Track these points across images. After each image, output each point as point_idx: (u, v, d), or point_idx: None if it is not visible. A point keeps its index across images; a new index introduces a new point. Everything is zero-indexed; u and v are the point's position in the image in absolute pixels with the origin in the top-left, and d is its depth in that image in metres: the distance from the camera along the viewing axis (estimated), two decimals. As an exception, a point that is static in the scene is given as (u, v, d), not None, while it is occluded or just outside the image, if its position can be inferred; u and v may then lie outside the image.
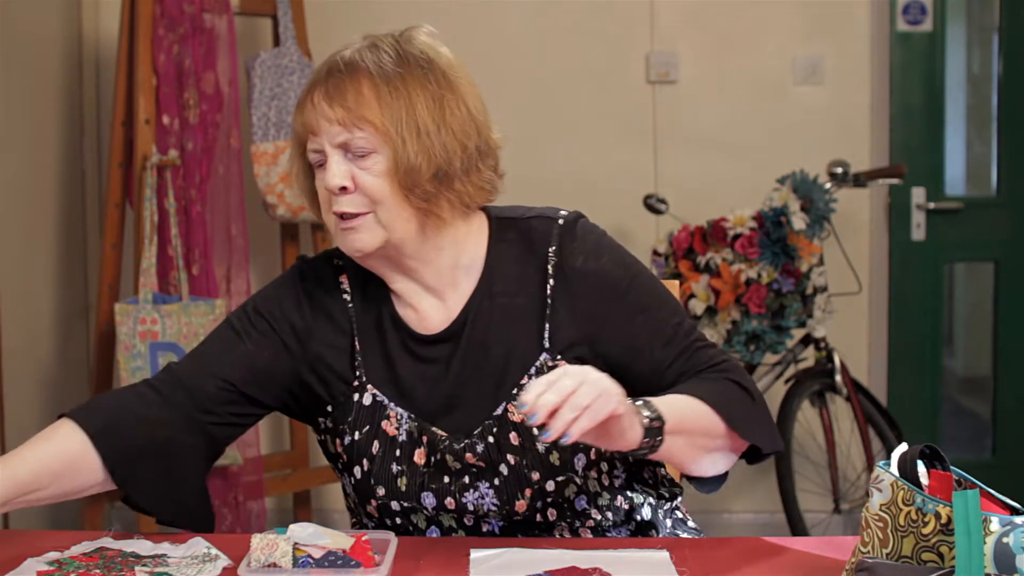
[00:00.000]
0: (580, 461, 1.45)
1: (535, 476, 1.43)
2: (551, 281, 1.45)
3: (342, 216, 1.40)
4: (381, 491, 1.46)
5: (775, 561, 1.38)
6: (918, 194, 3.69)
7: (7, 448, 2.99)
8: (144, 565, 1.33)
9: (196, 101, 3.05)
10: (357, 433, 1.47)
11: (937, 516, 1.12)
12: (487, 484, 1.44)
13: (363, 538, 1.31)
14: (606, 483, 1.50)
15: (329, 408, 1.49)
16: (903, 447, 1.20)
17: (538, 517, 1.46)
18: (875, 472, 1.19)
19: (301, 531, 1.30)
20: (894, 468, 1.18)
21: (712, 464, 1.43)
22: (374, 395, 1.47)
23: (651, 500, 1.56)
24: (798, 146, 3.59)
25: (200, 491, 1.50)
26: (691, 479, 1.48)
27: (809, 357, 3.37)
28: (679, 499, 1.63)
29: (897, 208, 3.70)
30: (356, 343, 1.48)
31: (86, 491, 1.45)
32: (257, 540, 1.28)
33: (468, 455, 1.43)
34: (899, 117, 3.68)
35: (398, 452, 1.45)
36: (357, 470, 1.47)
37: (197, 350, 1.52)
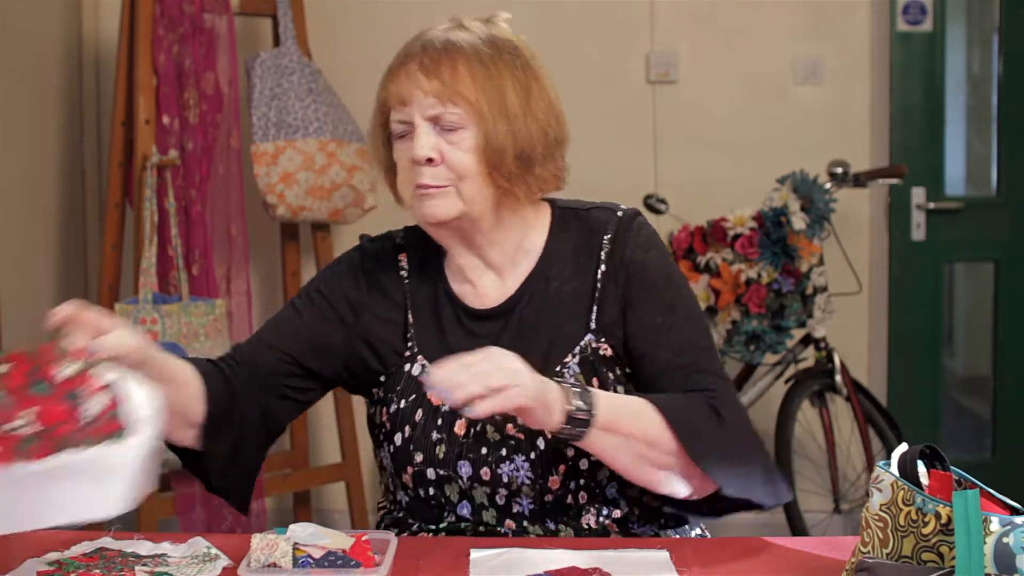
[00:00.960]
0: None
1: (570, 453, 1.46)
2: (602, 267, 1.51)
3: (420, 187, 1.45)
4: (419, 457, 1.49)
5: (775, 561, 1.38)
6: (918, 194, 3.69)
7: (7, 448, 2.99)
8: (144, 565, 1.33)
9: (196, 101, 3.05)
10: (403, 401, 1.51)
11: (937, 516, 1.12)
12: (523, 457, 1.46)
13: (363, 538, 1.31)
14: None
15: (382, 379, 1.55)
16: (903, 447, 1.20)
17: (569, 499, 1.48)
18: (875, 472, 1.19)
19: (301, 531, 1.30)
20: (894, 468, 1.18)
21: (668, 483, 1.42)
22: (423, 365, 1.52)
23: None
24: (798, 146, 3.59)
25: (253, 470, 1.56)
26: (668, 502, 1.47)
27: (809, 357, 3.37)
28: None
29: (897, 208, 3.70)
30: (409, 316, 1.55)
31: (183, 422, 1.46)
32: (257, 540, 1.28)
33: (509, 425, 1.47)
34: (899, 117, 3.68)
35: (439, 421, 1.49)
36: (398, 437, 1.51)
37: (259, 330, 1.59)
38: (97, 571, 1.31)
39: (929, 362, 3.75)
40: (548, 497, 1.48)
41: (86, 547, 1.40)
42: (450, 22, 1.52)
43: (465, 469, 1.47)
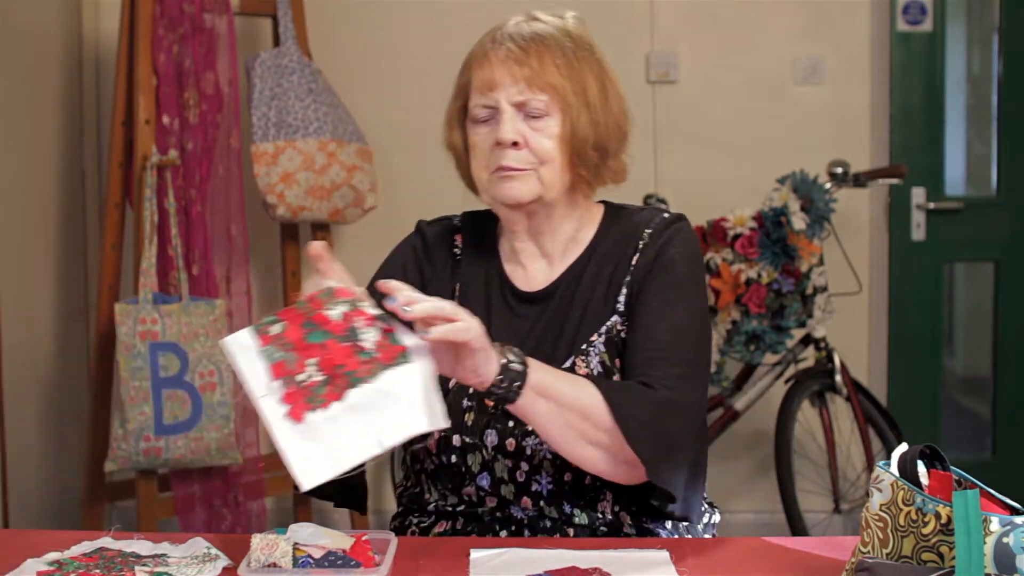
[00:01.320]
0: None
1: None
2: (637, 255, 1.57)
3: (502, 168, 1.50)
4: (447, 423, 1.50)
5: (775, 561, 1.38)
6: (918, 194, 3.69)
7: (7, 448, 2.99)
8: (144, 565, 1.33)
9: (196, 101, 3.05)
10: None
11: (937, 516, 1.12)
12: None
13: (363, 538, 1.31)
14: None
15: None
16: (903, 447, 1.20)
17: (587, 479, 1.50)
18: (875, 472, 1.19)
19: (301, 531, 1.30)
20: (894, 468, 1.18)
21: (593, 459, 1.42)
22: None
23: None
24: (798, 146, 3.59)
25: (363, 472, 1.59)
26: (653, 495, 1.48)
27: (809, 357, 3.37)
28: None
29: (897, 208, 3.70)
30: (457, 291, 1.60)
31: None
32: (257, 540, 1.28)
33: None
34: (899, 117, 3.68)
35: (471, 389, 1.51)
36: None
37: None
38: (97, 571, 1.31)
39: (929, 362, 3.75)
40: (567, 476, 1.50)
41: (86, 547, 1.40)
42: (525, 16, 1.57)
43: (491, 438, 1.51)
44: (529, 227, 1.59)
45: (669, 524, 1.57)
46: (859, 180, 3.32)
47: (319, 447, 1.21)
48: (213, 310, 2.94)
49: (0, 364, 2.95)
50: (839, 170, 3.29)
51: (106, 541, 1.43)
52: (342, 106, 3.29)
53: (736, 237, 3.18)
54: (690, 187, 3.61)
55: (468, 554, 1.37)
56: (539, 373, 1.37)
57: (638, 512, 1.54)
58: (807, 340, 3.32)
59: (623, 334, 1.54)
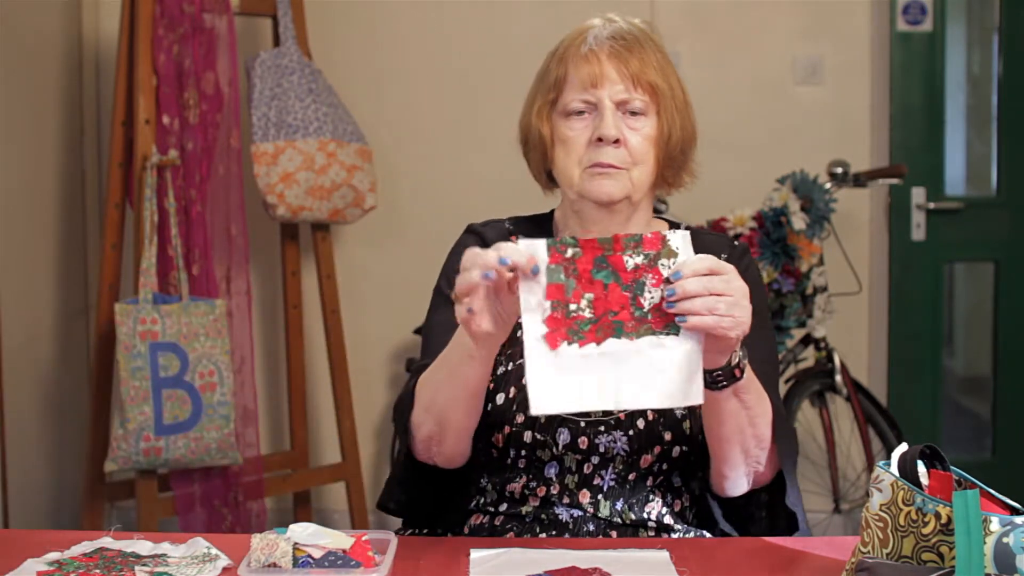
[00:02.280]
0: (703, 439, 1.52)
1: (667, 436, 1.51)
2: None
3: (599, 165, 1.50)
4: (520, 418, 1.52)
5: (775, 561, 1.38)
6: (918, 194, 3.69)
7: (7, 448, 3.00)
8: (144, 565, 1.33)
9: (196, 101, 3.04)
10: (511, 364, 1.54)
11: (937, 516, 1.12)
12: (622, 433, 1.51)
13: (363, 538, 1.31)
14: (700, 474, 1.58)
15: None
16: (903, 447, 1.20)
17: (648, 481, 1.53)
18: (875, 472, 1.19)
19: (301, 531, 1.30)
20: (894, 468, 1.18)
21: (737, 474, 1.47)
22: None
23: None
24: (798, 146, 3.58)
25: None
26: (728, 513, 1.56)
27: (809, 357, 3.37)
28: None
29: (897, 208, 3.70)
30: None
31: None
32: (257, 540, 1.28)
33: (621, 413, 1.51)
34: (899, 117, 3.68)
35: None
36: (500, 396, 1.53)
37: (429, 343, 1.59)
38: (97, 571, 1.31)
39: (929, 362, 3.74)
40: (632, 476, 1.52)
41: (86, 547, 1.40)
42: (605, 19, 1.57)
43: (564, 436, 1.52)
44: (604, 226, 1.57)
45: (713, 534, 1.58)
46: (859, 180, 3.32)
47: (561, 380, 1.22)
48: (213, 310, 2.94)
49: (0, 364, 2.95)
50: (839, 170, 3.29)
51: (106, 541, 1.43)
52: (342, 106, 3.28)
53: (736, 237, 3.18)
54: (690, 187, 3.60)
55: (468, 554, 1.37)
56: (749, 381, 1.39)
57: (694, 517, 1.56)
58: (807, 340, 3.32)
59: None
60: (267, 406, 3.66)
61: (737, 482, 1.49)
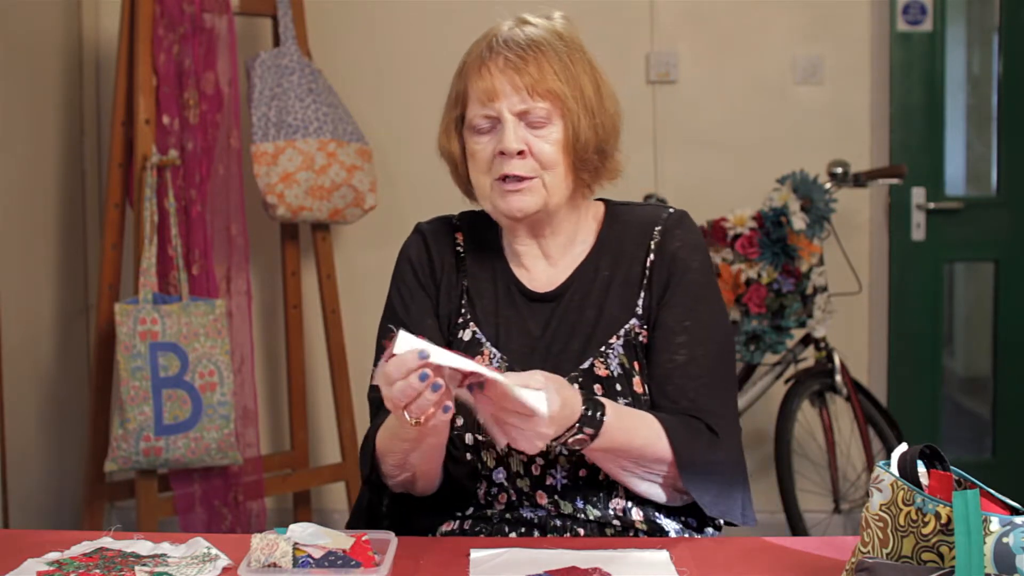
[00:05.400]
0: None
1: None
2: (651, 256, 1.58)
3: (506, 179, 1.51)
4: (460, 421, 1.53)
5: (775, 561, 1.38)
6: (918, 194, 3.69)
7: (7, 448, 2.99)
8: (144, 565, 1.33)
9: (196, 101, 3.04)
10: None
11: (937, 516, 1.12)
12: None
13: (363, 538, 1.31)
14: None
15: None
16: (903, 447, 1.20)
17: (601, 475, 1.52)
18: (875, 472, 1.19)
19: (301, 531, 1.30)
20: (894, 468, 1.18)
21: (648, 492, 1.51)
22: (474, 332, 1.58)
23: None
24: (798, 146, 3.58)
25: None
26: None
27: (809, 357, 3.37)
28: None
29: (897, 208, 3.70)
30: (466, 286, 1.61)
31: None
32: (257, 540, 1.28)
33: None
34: (899, 117, 3.68)
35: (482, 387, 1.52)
36: None
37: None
38: (97, 571, 1.31)
39: (929, 362, 3.74)
40: (582, 472, 1.51)
41: (86, 547, 1.40)
42: (515, 20, 1.56)
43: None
44: (531, 231, 1.60)
45: (676, 524, 1.57)
46: (859, 180, 3.32)
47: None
48: (213, 310, 2.94)
49: (0, 364, 2.95)
50: (839, 170, 3.29)
51: (106, 541, 1.43)
52: (342, 106, 3.28)
53: (736, 237, 3.18)
54: (690, 187, 3.61)
55: (468, 554, 1.37)
56: (605, 439, 1.41)
57: (653, 508, 1.55)
58: (807, 340, 3.32)
59: (642, 337, 1.55)
60: (267, 406, 3.66)
61: (663, 497, 1.51)
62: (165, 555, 1.38)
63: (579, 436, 1.39)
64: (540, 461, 1.51)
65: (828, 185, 3.25)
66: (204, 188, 3.05)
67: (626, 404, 1.51)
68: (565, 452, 1.45)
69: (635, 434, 1.45)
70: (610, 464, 1.47)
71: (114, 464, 2.85)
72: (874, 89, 3.67)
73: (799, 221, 3.15)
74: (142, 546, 1.40)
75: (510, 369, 1.53)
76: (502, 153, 1.50)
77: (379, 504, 1.63)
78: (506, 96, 1.49)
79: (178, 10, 3.01)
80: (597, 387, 1.52)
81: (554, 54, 1.51)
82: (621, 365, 1.53)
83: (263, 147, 3.14)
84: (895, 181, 3.39)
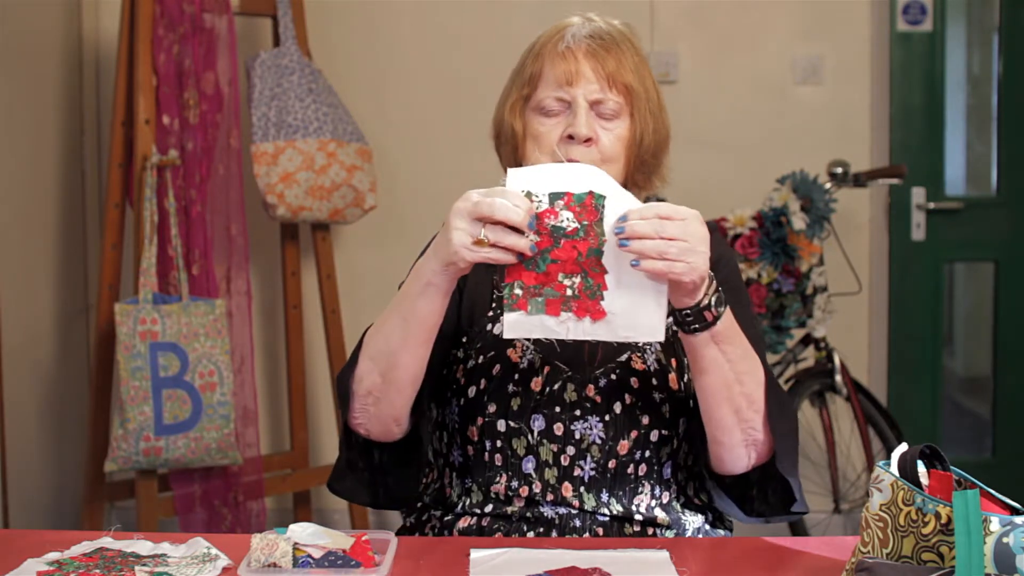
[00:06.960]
0: (683, 424, 1.54)
1: (644, 420, 1.51)
2: None
3: (569, 161, 1.50)
4: (492, 408, 1.53)
5: (775, 561, 1.38)
6: (918, 194, 3.69)
7: (7, 448, 3.00)
8: (144, 565, 1.33)
9: (196, 101, 3.05)
10: (482, 357, 1.55)
11: (937, 516, 1.12)
12: (598, 418, 1.51)
13: (363, 538, 1.31)
14: (692, 466, 1.58)
15: (464, 339, 1.58)
16: (903, 447, 1.20)
17: (630, 469, 1.51)
18: (875, 472, 1.19)
19: (301, 531, 1.30)
20: (894, 468, 1.18)
21: (732, 440, 1.46)
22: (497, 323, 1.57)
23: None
24: (798, 146, 3.59)
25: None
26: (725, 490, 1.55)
27: (809, 357, 3.37)
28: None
29: (897, 208, 3.70)
30: (496, 279, 1.59)
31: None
32: (257, 540, 1.28)
33: (589, 386, 1.52)
34: (899, 117, 3.68)
35: (516, 375, 1.53)
36: (471, 390, 1.54)
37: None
38: (97, 571, 1.31)
39: (929, 362, 3.75)
40: (612, 463, 1.51)
41: (86, 547, 1.40)
42: (584, 18, 1.57)
43: (538, 423, 1.52)
44: None
45: (700, 520, 1.57)
46: (859, 180, 3.32)
47: (529, 316, 1.33)
48: (213, 310, 2.94)
49: (0, 364, 2.95)
50: (839, 170, 3.29)
51: (106, 541, 1.43)
52: (342, 106, 3.29)
53: (736, 237, 3.18)
54: (690, 187, 3.60)
55: (468, 554, 1.37)
56: (726, 328, 1.39)
57: (668, 504, 1.55)
58: (807, 340, 3.32)
59: (679, 333, 1.54)
60: (267, 406, 3.66)
61: (735, 451, 1.47)
62: (165, 555, 1.38)
63: (718, 294, 1.37)
64: (571, 451, 1.51)
65: (828, 185, 3.25)
66: (204, 188, 3.05)
67: (661, 399, 1.52)
68: (698, 327, 1.38)
69: (745, 347, 1.43)
70: (716, 378, 1.42)
71: (114, 464, 2.85)
72: (874, 89, 3.67)
73: (799, 221, 3.15)
74: (142, 546, 1.40)
75: (545, 358, 1.54)
76: (570, 137, 1.50)
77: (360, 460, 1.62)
78: (586, 82, 1.50)
79: (178, 10, 3.01)
80: (633, 380, 1.53)
81: (631, 52, 1.53)
82: (658, 360, 1.54)
83: (263, 147, 3.14)
84: (895, 181, 3.40)
